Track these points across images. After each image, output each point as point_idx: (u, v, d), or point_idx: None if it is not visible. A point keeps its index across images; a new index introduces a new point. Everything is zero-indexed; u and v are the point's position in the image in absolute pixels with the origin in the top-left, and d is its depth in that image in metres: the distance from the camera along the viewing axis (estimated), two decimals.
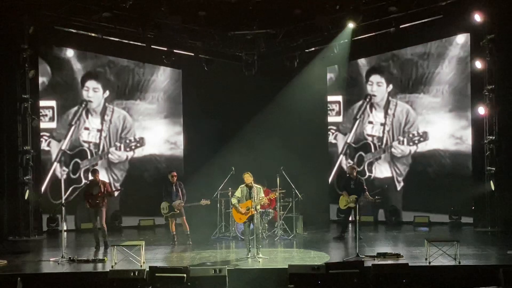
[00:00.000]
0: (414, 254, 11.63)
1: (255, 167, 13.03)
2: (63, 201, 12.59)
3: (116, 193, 13.83)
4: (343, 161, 17.29)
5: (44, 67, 15.85)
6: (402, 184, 16.70)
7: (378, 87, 16.96)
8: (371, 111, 17.02)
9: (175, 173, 13.88)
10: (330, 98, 17.54)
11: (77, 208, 15.80)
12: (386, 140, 16.84)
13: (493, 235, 14.13)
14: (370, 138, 17.04)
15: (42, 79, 15.79)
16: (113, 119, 16.84)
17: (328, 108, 17.53)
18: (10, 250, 12.98)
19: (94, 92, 16.61)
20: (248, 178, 11.75)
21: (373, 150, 17.00)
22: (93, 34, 15.05)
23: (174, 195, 13.62)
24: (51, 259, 11.68)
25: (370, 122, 17.08)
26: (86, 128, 16.55)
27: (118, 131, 16.91)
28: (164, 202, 13.77)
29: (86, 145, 16.50)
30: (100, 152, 16.64)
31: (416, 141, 16.45)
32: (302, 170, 15.67)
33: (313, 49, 16.55)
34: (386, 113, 16.85)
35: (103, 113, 16.72)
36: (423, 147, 16.41)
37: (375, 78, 17.00)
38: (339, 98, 17.48)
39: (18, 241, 14.35)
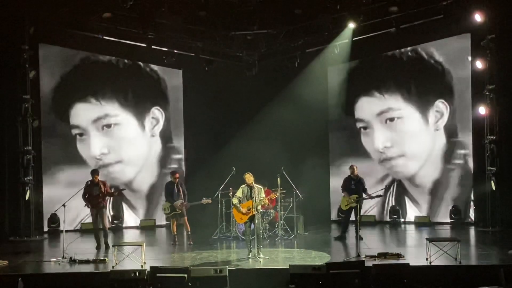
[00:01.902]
0: (415, 254, 11.63)
1: (256, 167, 13.05)
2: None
3: (116, 193, 13.79)
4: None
5: (49, 71, 15.86)
6: (402, 183, 16.68)
7: (377, 89, 16.93)
8: (368, 115, 17.03)
9: (177, 175, 13.88)
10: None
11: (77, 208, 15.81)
12: (385, 143, 16.81)
13: (494, 235, 14.12)
14: (368, 141, 17.03)
15: (48, 84, 15.85)
16: (109, 122, 16.75)
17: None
18: (11, 250, 12.97)
19: (93, 95, 16.56)
20: (249, 178, 11.75)
21: (373, 153, 16.98)
22: (93, 35, 15.06)
23: (176, 195, 13.64)
24: (52, 260, 11.67)
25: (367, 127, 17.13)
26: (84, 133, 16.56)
27: (115, 134, 16.88)
28: (166, 202, 13.79)
29: (85, 148, 16.47)
30: (101, 155, 16.61)
31: (418, 143, 16.44)
32: (302, 170, 15.68)
33: (313, 49, 16.55)
34: (383, 116, 16.82)
35: (100, 117, 16.68)
36: (424, 147, 16.37)
37: (374, 80, 16.96)
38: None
39: (19, 241, 14.34)
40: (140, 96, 17.17)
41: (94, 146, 16.55)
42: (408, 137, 16.55)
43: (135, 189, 17.07)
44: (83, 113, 16.46)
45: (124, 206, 16.88)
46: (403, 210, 16.58)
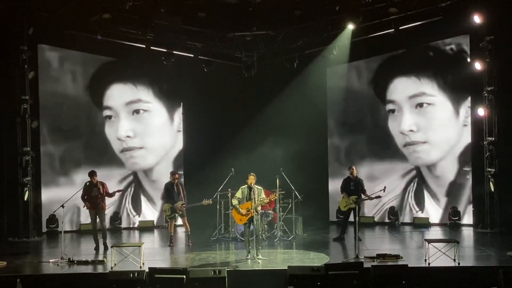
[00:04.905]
0: (413, 255, 11.64)
1: (255, 168, 13.02)
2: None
3: (115, 194, 13.75)
4: None
5: (49, 72, 15.88)
6: (401, 184, 16.67)
7: (377, 90, 16.91)
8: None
9: (177, 175, 13.89)
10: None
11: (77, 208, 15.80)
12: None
13: (492, 236, 14.13)
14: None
15: (50, 86, 15.90)
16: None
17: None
18: (10, 251, 12.98)
19: (93, 97, 16.55)
20: (253, 179, 11.75)
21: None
22: (92, 36, 15.06)
23: (176, 196, 13.62)
24: (50, 261, 11.68)
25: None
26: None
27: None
28: (166, 204, 13.78)
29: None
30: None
31: (419, 143, 16.38)
32: (301, 171, 15.67)
33: (312, 50, 16.54)
34: (384, 117, 16.79)
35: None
36: (423, 148, 16.35)
37: (374, 81, 16.94)
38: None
39: (18, 242, 14.34)
40: (175, 88, 17.30)
41: (121, 128, 16.74)
42: (436, 125, 16.14)
43: (154, 179, 17.13)
44: (117, 95, 16.74)
45: (143, 199, 17.01)
46: (422, 206, 16.28)
